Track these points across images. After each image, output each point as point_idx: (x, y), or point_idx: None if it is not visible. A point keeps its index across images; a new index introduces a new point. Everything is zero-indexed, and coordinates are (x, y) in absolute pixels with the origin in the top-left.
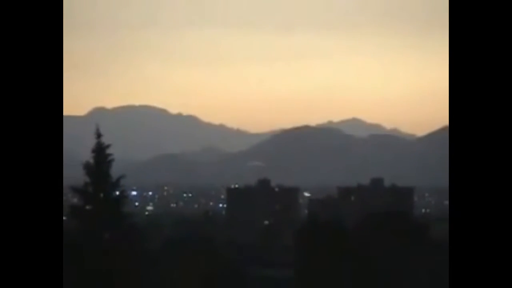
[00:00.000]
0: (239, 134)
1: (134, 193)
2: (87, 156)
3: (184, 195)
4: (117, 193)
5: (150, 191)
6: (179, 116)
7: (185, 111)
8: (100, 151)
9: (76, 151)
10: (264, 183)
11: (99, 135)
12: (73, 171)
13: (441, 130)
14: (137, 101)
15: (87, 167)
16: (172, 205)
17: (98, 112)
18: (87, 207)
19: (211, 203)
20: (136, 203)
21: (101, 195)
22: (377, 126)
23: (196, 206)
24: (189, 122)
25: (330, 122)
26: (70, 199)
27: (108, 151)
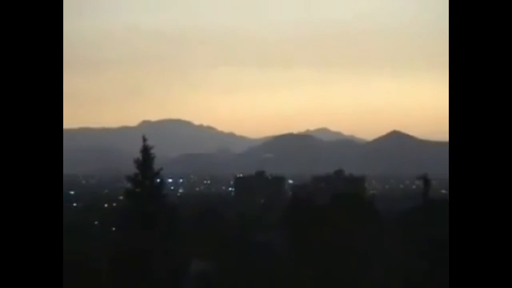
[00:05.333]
0: (243, 139)
1: (169, 180)
2: (137, 154)
3: (204, 182)
4: (158, 180)
5: (181, 179)
6: (201, 126)
7: (205, 123)
8: (146, 151)
9: (130, 152)
10: (260, 174)
11: (145, 140)
12: (128, 165)
13: (387, 134)
14: (172, 116)
15: (137, 162)
16: (196, 189)
17: (145, 123)
18: (137, 190)
19: (223, 188)
20: (171, 187)
21: (147, 181)
22: (339, 134)
23: (213, 190)
24: (208, 131)
25: (307, 131)
26: (125, 184)
27: (152, 151)
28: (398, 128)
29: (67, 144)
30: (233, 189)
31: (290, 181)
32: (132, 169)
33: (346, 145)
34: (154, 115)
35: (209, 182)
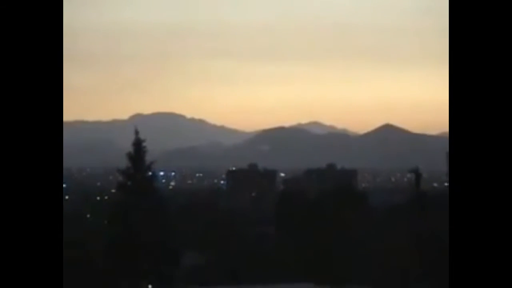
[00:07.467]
0: (235, 132)
1: (161, 173)
2: (129, 148)
3: (197, 175)
4: (150, 173)
5: (172, 172)
6: (192, 119)
7: (197, 116)
8: (138, 144)
9: (121, 145)
10: (252, 167)
11: (137, 133)
12: (120, 158)
13: (379, 128)
14: (165, 109)
15: (129, 155)
16: (188, 182)
17: (137, 117)
18: (129, 183)
19: (215, 181)
20: (163, 180)
21: (139, 175)
22: (332, 127)
23: (205, 182)
24: (200, 124)
25: (298, 124)
26: (117, 177)
27: (144, 144)
28: (390, 122)
29: None
30: (225, 182)
31: (282, 175)
32: (124, 162)
33: (338, 138)
34: (146, 108)
35: (201, 175)
